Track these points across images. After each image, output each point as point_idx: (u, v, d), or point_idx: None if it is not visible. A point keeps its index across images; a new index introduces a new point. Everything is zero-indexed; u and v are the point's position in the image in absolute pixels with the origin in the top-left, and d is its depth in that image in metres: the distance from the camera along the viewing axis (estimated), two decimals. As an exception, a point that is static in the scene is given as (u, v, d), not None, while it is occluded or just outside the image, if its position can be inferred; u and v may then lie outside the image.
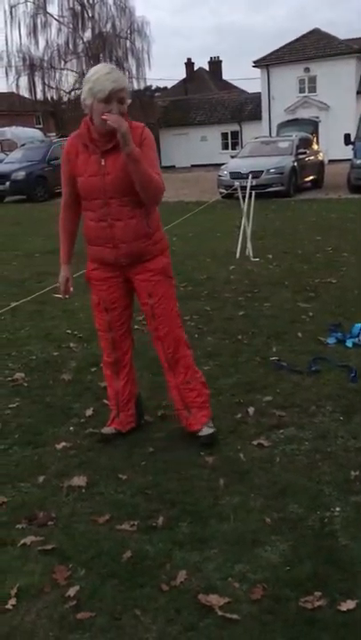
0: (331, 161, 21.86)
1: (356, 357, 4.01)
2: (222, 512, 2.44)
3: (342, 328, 4.54)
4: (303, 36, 32.83)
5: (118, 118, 2.59)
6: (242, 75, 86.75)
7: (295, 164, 15.39)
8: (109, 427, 3.13)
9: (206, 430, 3.01)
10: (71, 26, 35.28)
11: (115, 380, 3.11)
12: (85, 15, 35.30)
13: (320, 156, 17.78)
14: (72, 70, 35.64)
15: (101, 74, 2.65)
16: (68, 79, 35.65)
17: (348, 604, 1.92)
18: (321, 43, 31.96)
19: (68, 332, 4.90)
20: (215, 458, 2.86)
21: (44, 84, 35.08)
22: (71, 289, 3.09)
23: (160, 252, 2.92)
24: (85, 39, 35.60)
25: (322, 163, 17.78)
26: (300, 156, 15.81)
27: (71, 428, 3.25)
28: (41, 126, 34.86)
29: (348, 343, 4.26)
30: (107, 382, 3.18)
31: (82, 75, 35.56)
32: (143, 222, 2.83)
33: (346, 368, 3.82)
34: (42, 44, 36.80)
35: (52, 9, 39.29)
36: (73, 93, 35.41)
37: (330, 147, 24.46)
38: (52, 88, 35.25)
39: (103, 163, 2.73)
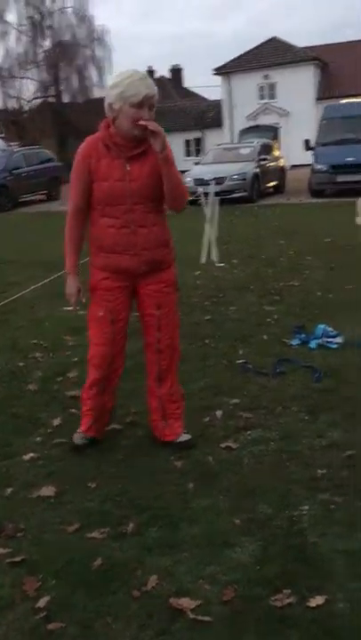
0: (292, 166, 22.20)
1: (320, 358, 4.08)
2: (192, 515, 2.45)
3: (306, 330, 4.61)
4: (262, 45, 33.39)
5: (157, 124, 2.59)
6: (203, 82, 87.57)
7: (257, 169, 15.59)
8: (83, 433, 3.05)
9: (184, 437, 3.02)
10: (30, 34, 35.11)
11: (100, 396, 2.97)
12: (44, 24, 35.17)
13: (281, 162, 18.06)
14: (32, 79, 35.45)
15: (135, 78, 2.60)
16: (28, 88, 35.46)
17: (317, 600, 1.95)
18: (279, 50, 32.55)
19: (34, 342, 4.85)
20: (184, 462, 2.87)
21: (4, 92, 34.82)
22: (83, 300, 2.96)
23: (172, 261, 2.94)
24: (45, 48, 35.48)
25: (283, 168, 18.06)
26: (262, 162, 16.03)
27: (39, 439, 3.22)
28: (2, 135, 34.50)
29: (312, 344, 4.33)
30: (87, 397, 3.00)
31: (41, 84, 35.40)
32: (163, 230, 2.84)
33: (310, 369, 3.88)
34: (1, 52, 36.61)
35: (11, 18, 38.95)
36: (34, 102, 35.20)
37: (290, 152, 24.85)
38: (12, 97, 35.00)
39: (128, 168, 2.68)
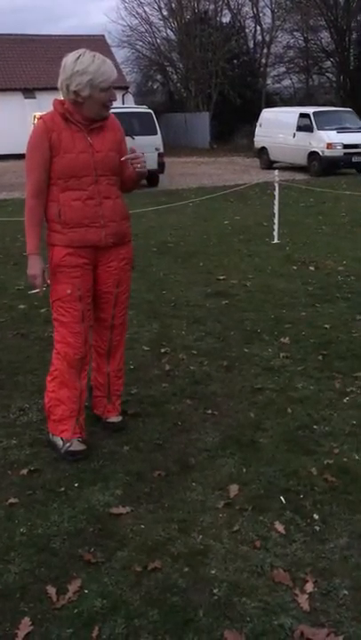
0: None
1: None
2: None
3: None
4: None
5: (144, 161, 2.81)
6: None
7: None
8: (75, 438, 2.88)
9: (117, 417, 3.13)
10: None
11: (77, 380, 2.85)
12: None
13: None
14: None
15: (99, 63, 2.62)
16: None
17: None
18: None
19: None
20: None
21: None
22: (48, 281, 2.82)
23: (131, 236, 2.95)
24: None
25: None
26: None
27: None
28: None
29: None
30: (65, 387, 2.84)
31: None
32: (124, 203, 2.87)
33: None
34: None
35: None
36: None
37: None
38: None
39: (90, 140, 2.71)
